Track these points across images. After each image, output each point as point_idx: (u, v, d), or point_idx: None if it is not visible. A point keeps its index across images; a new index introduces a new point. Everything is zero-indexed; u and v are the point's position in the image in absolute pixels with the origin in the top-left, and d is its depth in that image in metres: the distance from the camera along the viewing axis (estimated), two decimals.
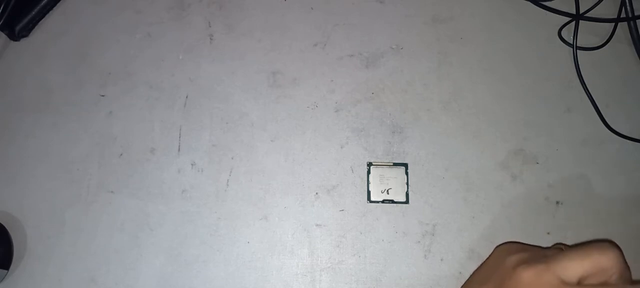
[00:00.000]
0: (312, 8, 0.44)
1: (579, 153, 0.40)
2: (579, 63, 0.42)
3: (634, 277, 0.36)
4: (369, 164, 0.40)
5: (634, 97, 0.42)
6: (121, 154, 0.41)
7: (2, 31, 0.43)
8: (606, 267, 0.31)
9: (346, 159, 0.40)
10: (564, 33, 0.43)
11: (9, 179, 0.40)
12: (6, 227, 0.39)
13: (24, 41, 0.44)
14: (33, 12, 0.44)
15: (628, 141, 0.40)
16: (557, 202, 0.39)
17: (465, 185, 0.40)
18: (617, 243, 0.34)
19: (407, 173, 0.40)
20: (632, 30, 0.42)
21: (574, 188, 0.39)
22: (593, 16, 0.42)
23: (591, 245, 0.32)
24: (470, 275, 0.36)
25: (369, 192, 0.40)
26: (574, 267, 0.30)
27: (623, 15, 0.42)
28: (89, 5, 0.45)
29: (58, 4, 0.45)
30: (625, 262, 0.31)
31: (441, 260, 0.38)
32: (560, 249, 0.34)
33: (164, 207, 0.40)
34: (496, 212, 0.39)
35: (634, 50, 0.42)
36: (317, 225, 0.39)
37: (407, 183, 0.40)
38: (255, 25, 0.44)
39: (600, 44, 0.43)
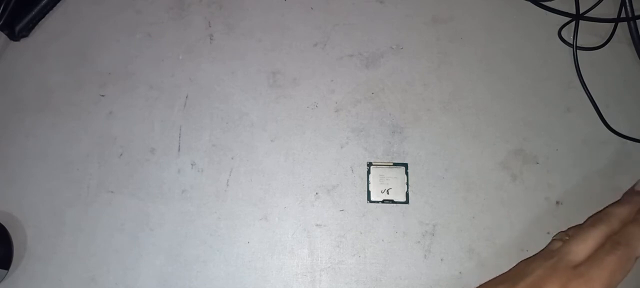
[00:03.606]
0: (312, 8, 0.44)
1: (579, 153, 0.40)
2: (579, 63, 0.42)
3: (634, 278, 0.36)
4: (369, 164, 0.40)
5: (634, 97, 0.42)
6: (121, 154, 0.41)
7: (2, 31, 0.43)
8: (609, 233, 0.34)
9: (346, 159, 0.40)
10: (564, 33, 0.43)
11: (9, 179, 0.40)
12: (6, 227, 0.39)
13: (24, 41, 0.44)
14: (33, 12, 0.44)
15: (628, 141, 0.40)
16: (557, 202, 0.39)
17: (465, 185, 0.40)
18: None
19: (407, 173, 0.40)
20: (632, 30, 0.42)
21: (574, 188, 0.39)
22: (593, 16, 0.42)
23: (585, 226, 0.35)
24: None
25: (369, 192, 0.40)
26: (580, 250, 0.33)
27: (623, 15, 0.42)
28: (89, 5, 0.45)
29: (58, 4, 0.45)
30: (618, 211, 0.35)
31: (441, 260, 0.38)
32: (561, 240, 0.35)
33: (164, 207, 0.40)
34: (496, 212, 0.39)
35: (634, 50, 0.42)
36: (317, 225, 0.39)
37: (407, 183, 0.40)
38: (255, 25, 0.44)
39: (600, 44, 0.43)
